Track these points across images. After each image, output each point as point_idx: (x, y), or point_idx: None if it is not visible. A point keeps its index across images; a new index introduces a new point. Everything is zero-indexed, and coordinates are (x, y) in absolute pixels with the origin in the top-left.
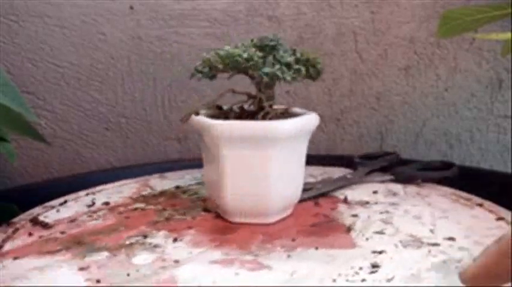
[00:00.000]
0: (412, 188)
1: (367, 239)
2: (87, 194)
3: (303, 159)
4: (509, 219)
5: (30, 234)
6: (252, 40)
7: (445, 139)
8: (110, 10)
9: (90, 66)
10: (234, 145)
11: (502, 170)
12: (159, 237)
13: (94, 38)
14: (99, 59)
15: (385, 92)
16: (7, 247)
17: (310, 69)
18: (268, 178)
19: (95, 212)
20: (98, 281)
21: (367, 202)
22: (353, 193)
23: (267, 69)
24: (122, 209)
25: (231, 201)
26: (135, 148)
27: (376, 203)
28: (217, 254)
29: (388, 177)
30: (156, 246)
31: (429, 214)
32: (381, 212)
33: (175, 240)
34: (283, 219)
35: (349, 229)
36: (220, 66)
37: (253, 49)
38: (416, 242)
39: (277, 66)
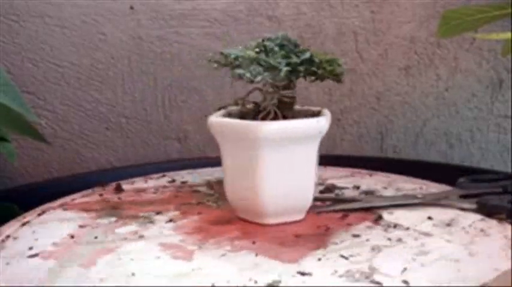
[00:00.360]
0: (486, 223)
1: (319, 259)
2: (188, 173)
3: (308, 164)
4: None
5: (100, 195)
6: (262, 40)
7: (446, 139)
8: (111, 10)
9: (90, 66)
10: (228, 142)
11: (502, 170)
12: (165, 216)
13: (94, 38)
14: (99, 59)
15: (385, 92)
16: (77, 200)
17: (319, 71)
18: (257, 178)
19: (165, 187)
20: (72, 236)
21: (396, 225)
22: (401, 214)
23: (238, 71)
24: (186, 189)
25: (231, 197)
26: (135, 148)
27: (407, 229)
28: (175, 239)
29: (472, 205)
30: (150, 222)
31: (442, 254)
32: (389, 239)
33: (170, 221)
34: (286, 223)
35: (319, 247)
36: (215, 64)
37: (255, 49)
38: (363, 275)
39: (252, 67)
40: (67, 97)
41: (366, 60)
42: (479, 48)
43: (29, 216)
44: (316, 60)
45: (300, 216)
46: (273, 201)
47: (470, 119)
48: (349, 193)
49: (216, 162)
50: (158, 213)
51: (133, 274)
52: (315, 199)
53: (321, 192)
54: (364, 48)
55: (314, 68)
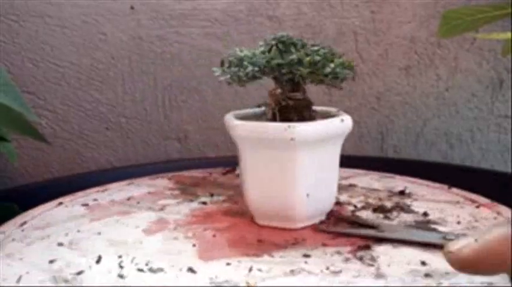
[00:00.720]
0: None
1: (228, 264)
2: None
3: (299, 171)
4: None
5: (210, 173)
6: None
7: (446, 139)
8: (111, 10)
9: (90, 66)
10: (233, 139)
11: (502, 170)
12: (208, 198)
13: (95, 38)
14: (99, 58)
15: (386, 92)
16: (186, 174)
17: (315, 73)
18: (245, 178)
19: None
20: (128, 199)
21: (363, 258)
22: (402, 252)
23: (214, 69)
24: None
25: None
26: (135, 148)
27: (370, 266)
28: (175, 217)
29: None
30: (190, 200)
31: None
32: (327, 268)
33: (203, 203)
34: (280, 228)
35: (254, 255)
36: (227, 64)
37: (260, 49)
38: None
39: (226, 66)
40: (67, 97)
41: (366, 60)
42: (479, 48)
43: (140, 179)
44: (305, 61)
45: (299, 224)
46: (259, 204)
47: (470, 119)
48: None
49: (216, 162)
50: (211, 195)
51: (99, 233)
52: (340, 218)
53: (374, 210)
54: (364, 48)
55: (301, 69)
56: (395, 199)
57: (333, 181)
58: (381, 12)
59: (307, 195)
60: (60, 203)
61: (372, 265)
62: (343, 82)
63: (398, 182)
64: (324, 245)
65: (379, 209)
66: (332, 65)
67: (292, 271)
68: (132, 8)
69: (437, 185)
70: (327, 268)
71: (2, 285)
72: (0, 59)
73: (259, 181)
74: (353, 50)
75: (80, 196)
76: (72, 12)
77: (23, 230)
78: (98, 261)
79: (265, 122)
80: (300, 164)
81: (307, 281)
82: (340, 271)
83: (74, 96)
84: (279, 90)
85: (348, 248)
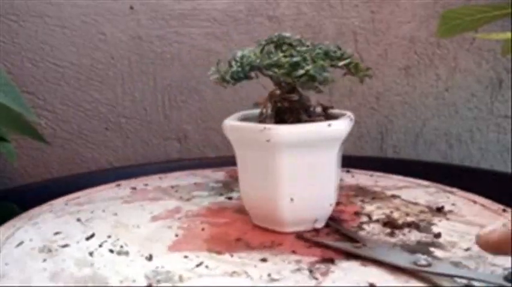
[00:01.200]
0: None
1: (186, 257)
2: None
3: (279, 174)
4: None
5: None
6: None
7: (445, 139)
8: (110, 10)
9: (90, 66)
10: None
11: (502, 170)
12: (228, 195)
13: (94, 38)
14: (99, 59)
15: (385, 92)
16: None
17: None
18: (239, 177)
19: None
20: (172, 187)
21: (313, 271)
22: (367, 272)
23: (212, 68)
24: None
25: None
26: (135, 148)
27: (316, 279)
28: (189, 207)
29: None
30: (220, 194)
31: None
32: (269, 275)
33: (229, 198)
34: (269, 230)
35: (216, 252)
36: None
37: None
38: (160, 276)
39: (221, 65)
40: (67, 97)
41: (365, 60)
42: (478, 48)
43: (203, 171)
44: (281, 62)
45: (292, 227)
46: (250, 204)
47: (470, 119)
48: (409, 237)
49: (216, 162)
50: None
51: (115, 214)
52: (338, 232)
53: (384, 224)
54: (364, 48)
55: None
56: (423, 216)
57: (326, 187)
58: (381, 12)
59: (291, 199)
60: (118, 185)
61: (316, 279)
62: (326, 85)
63: (452, 198)
64: (293, 252)
65: (388, 224)
66: (308, 67)
67: (233, 273)
68: (131, 8)
69: (495, 206)
70: (269, 275)
71: (6, 246)
72: (0, 59)
73: (248, 182)
74: (353, 50)
75: (139, 181)
76: (72, 12)
77: (66, 204)
78: (88, 238)
79: (244, 123)
80: (280, 167)
81: (236, 284)
82: (278, 280)
83: (73, 96)
84: (278, 91)
85: (311, 259)
